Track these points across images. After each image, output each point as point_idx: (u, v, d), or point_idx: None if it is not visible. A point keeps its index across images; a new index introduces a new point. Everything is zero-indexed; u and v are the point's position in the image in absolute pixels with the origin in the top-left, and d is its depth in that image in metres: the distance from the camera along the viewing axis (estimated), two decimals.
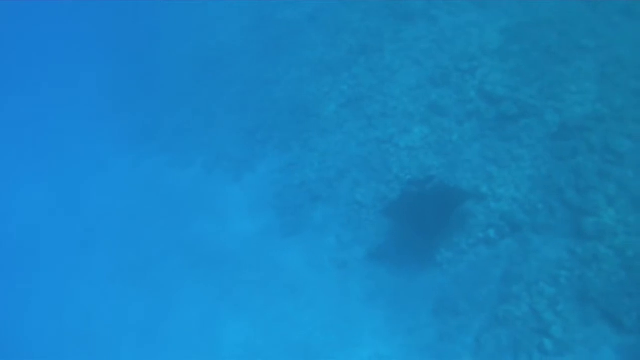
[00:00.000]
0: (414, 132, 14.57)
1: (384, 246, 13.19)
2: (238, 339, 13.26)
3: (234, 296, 14.11)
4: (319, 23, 19.21)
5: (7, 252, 18.96)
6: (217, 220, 15.96)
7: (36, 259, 18.28)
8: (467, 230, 12.48)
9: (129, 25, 27.01)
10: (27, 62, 29.25)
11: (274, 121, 17.42)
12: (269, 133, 17.25)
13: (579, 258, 10.88)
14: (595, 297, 10.33)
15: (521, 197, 12.25)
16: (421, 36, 16.50)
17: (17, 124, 25.11)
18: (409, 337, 11.74)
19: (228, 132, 18.16)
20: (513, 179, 12.61)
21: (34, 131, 24.35)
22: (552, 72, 13.66)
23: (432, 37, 16.29)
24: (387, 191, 13.95)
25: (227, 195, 16.49)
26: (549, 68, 13.82)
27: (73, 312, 16.06)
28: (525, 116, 13.30)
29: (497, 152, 13.17)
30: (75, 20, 29.50)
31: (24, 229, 19.74)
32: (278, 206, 15.40)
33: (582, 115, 12.52)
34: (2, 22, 31.75)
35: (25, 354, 15.66)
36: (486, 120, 13.78)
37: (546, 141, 12.76)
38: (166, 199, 17.53)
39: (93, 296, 16.13)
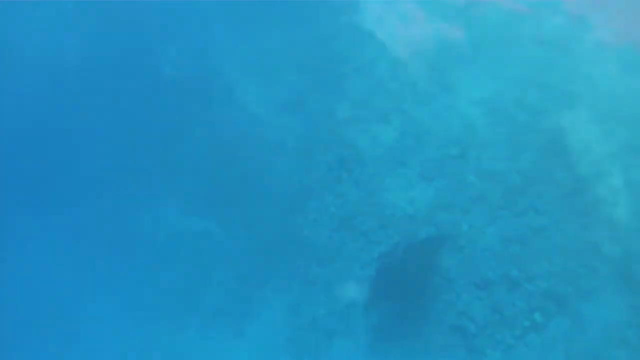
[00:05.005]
0: (419, 236, 14.12)
1: None
2: None
3: None
4: (286, 149, 19.02)
5: None
6: None
7: None
8: (508, 323, 11.79)
9: None
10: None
11: (266, 263, 16.88)
12: (263, 276, 16.66)
13: None
14: None
15: (557, 268, 11.85)
16: (400, 134, 16.57)
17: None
18: None
19: (218, 285, 17.46)
20: (542, 252, 12.23)
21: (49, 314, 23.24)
22: (547, 130, 13.58)
23: (410, 131, 16.34)
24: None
25: (233, 353, 15.58)
26: (543, 126, 13.74)
27: None
28: (533, 183, 13.03)
29: (516, 230, 12.81)
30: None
31: None
32: (292, 351, 14.70)
33: (593, 160, 12.29)
34: None
35: None
36: (493, 200, 13.47)
37: (564, 201, 12.42)
38: None
39: None
